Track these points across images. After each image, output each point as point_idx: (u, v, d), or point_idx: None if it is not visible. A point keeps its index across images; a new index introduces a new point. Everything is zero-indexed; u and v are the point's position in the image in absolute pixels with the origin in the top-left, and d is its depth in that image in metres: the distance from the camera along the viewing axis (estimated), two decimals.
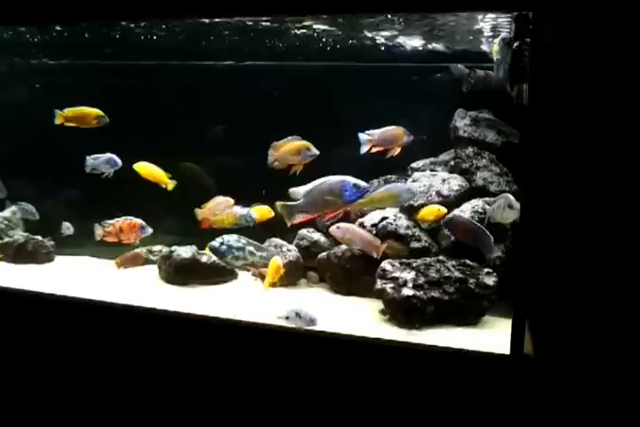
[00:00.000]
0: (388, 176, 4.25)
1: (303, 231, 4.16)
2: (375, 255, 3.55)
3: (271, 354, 2.77)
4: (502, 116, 4.07)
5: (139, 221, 3.88)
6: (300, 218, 2.99)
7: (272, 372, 2.78)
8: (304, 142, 3.49)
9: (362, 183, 2.96)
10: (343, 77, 4.05)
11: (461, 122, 4.12)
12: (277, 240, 4.36)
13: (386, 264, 3.60)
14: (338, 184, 2.88)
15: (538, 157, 2.32)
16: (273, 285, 3.57)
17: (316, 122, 3.83)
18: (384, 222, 3.89)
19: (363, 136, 3.45)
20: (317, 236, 4.13)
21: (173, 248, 4.27)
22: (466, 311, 3.34)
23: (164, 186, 3.94)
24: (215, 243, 3.71)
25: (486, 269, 3.54)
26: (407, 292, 3.41)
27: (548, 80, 2.26)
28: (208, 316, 2.96)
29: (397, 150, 3.59)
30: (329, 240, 4.18)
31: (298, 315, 3.05)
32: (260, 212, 3.87)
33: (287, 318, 3.03)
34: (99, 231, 3.88)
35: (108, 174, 3.93)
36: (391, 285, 3.50)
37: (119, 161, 3.95)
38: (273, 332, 2.84)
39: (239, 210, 3.79)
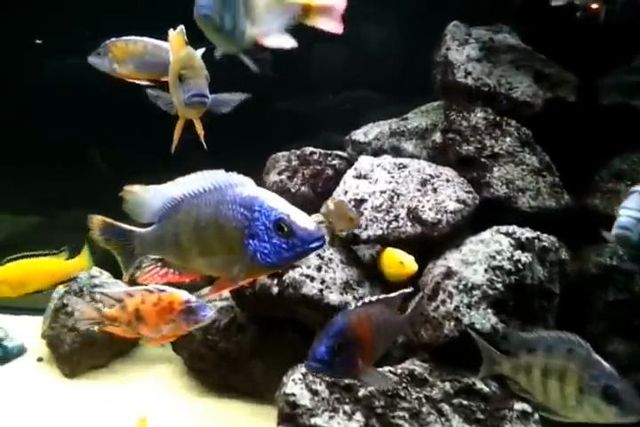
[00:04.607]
0: (307, 150, 2.11)
1: None
2: None
3: None
4: (543, 44, 1.95)
5: (182, 294, 1.56)
6: (151, 273, 1.21)
7: None
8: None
9: (303, 223, 1.06)
10: None
11: (460, 52, 1.99)
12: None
13: (298, 389, 1.58)
14: (231, 218, 1.07)
15: None
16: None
17: None
18: (297, 275, 1.78)
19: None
20: None
21: None
22: None
23: None
24: None
25: (519, 406, 1.59)
26: None
27: None
28: None
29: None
30: None
31: None
32: None
33: None
34: (88, 313, 1.62)
35: None
36: None
37: None
38: None
39: None
